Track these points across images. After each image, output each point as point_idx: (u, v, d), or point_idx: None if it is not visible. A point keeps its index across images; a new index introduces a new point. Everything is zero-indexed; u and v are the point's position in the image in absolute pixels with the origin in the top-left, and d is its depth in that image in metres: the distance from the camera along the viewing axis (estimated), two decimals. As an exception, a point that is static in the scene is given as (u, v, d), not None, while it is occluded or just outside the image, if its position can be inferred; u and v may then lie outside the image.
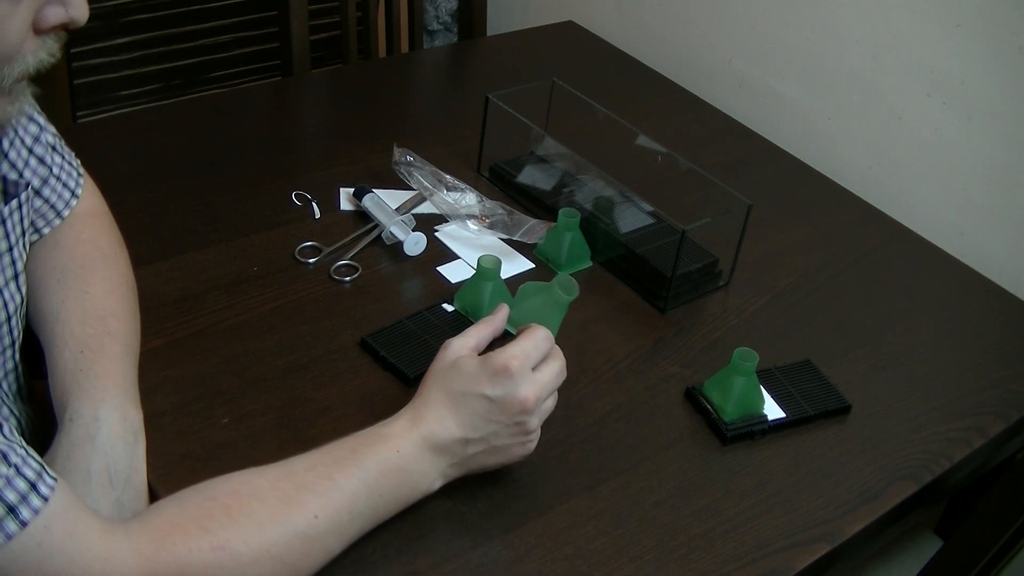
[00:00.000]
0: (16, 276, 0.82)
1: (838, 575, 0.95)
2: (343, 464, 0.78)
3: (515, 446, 0.85)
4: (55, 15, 0.66)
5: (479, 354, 0.87)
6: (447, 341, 0.87)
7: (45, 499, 0.65)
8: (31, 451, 0.67)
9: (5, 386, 0.84)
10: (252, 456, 0.88)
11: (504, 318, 0.91)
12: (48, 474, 0.67)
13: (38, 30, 0.66)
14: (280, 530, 0.73)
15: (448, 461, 0.83)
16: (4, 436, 0.66)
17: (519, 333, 0.86)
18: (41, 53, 0.67)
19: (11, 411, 0.85)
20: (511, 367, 0.82)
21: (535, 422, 0.84)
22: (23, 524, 0.64)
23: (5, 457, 0.64)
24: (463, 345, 0.86)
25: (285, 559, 0.74)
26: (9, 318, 0.82)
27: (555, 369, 0.85)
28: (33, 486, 0.65)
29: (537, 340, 0.84)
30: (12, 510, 0.63)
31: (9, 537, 0.63)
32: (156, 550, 0.69)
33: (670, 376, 1.06)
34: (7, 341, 0.83)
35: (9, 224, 0.80)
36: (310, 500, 0.75)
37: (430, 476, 0.83)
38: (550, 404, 0.86)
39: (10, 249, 0.81)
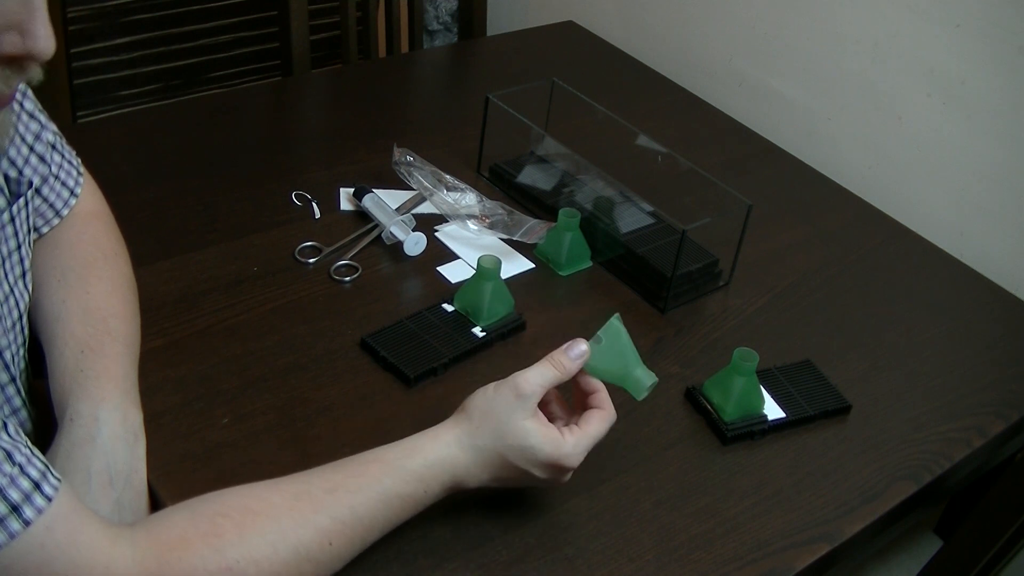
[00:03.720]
0: (24, 274, 0.82)
1: (838, 575, 0.95)
2: (367, 494, 0.77)
3: (517, 487, 0.87)
4: (10, 44, 0.59)
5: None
6: (519, 385, 0.80)
7: (49, 499, 0.65)
8: (36, 451, 0.67)
9: (19, 383, 0.84)
10: (252, 456, 0.89)
11: (579, 367, 0.83)
12: (52, 475, 0.66)
13: None
14: (292, 554, 0.72)
15: (456, 491, 0.83)
16: (9, 435, 0.66)
17: (590, 393, 0.84)
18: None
19: (28, 414, 0.85)
20: (570, 466, 0.82)
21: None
22: (26, 523, 0.63)
23: (9, 456, 0.64)
24: (536, 399, 0.81)
25: None
26: (21, 316, 0.82)
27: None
28: (37, 486, 0.65)
29: (603, 431, 0.83)
30: (15, 509, 0.63)
31: (12, 536, 0.63)
32: (160, 564, 0.68)
33: (670, 376, 1.06)
34: (20, 340, 0.83)
35: (17, 222, 0.80)
36: (326, 526, 0.74)
37: (437, 501, 0.82)
38: None
39: (18, 247, 0.81)
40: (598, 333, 0.86)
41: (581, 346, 0.83)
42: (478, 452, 0.81)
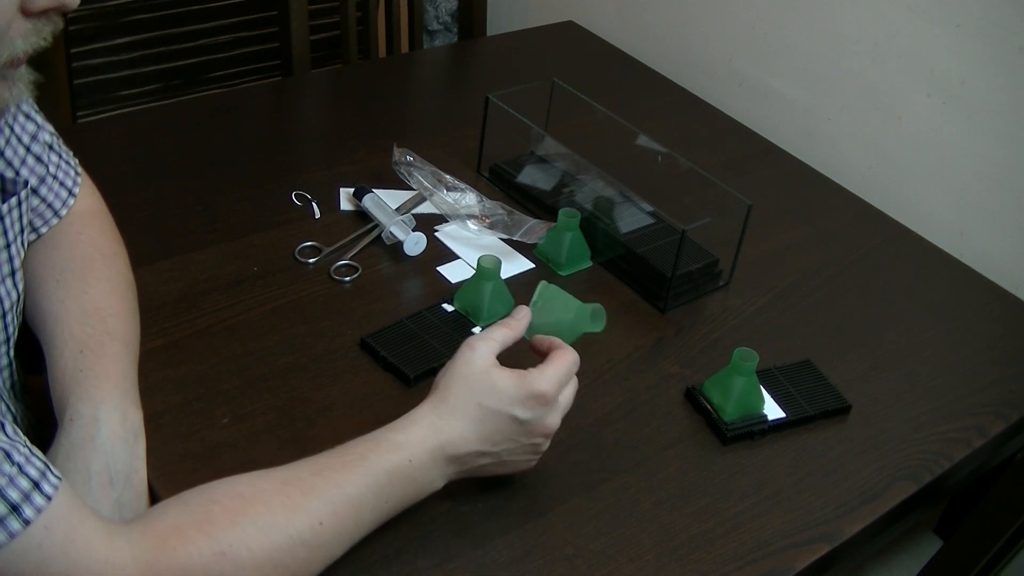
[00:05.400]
0: (13, 273, 0.82)
1: (838, 575, 0.95)
2: (352, 470, 0.77)
3: (521, 462, 0.86)
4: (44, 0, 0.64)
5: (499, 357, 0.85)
6: (470, 341, 0.84)
7: (48, 498, 0.65)
8: (35, 450, 0.67)
9: (0, 382, 0.84)
10: (252, 456, 0.89)
11: (526, 326, 0.88)
12: (52, 473, 0.66)
13: (27, 13, 0.64)
14: (284, 537, 0.73)
15: (457, 469, 0.83)
16: (7, 435, 0.65)
17: (546, 348, 0.86)
18: (32, 37, 0.65)
19: (8, 408, 0.85)
20: (548, 395, 0.82)
21: (547, 444, 0.86)
22: (26, 523, 0.63)
23: (8, 456, 0.64)
24: (490, 351, 0.84)
25: (288, 566, 0.73)
26: (4, 314, 0.82)
27: (573, 392, 0.87)
28: (36, 484, 0.65)
29: (569, 366, 0.85)
30: (15, 509, 0.63)
31: (12, 536, 0.63)
32: (156, 555, 0.69)
33: (670, 376, 1.06)
34: (1, 338, 0.83)
35: (7, 221, 0.80)
36: (316, 507, 0.75)
37: (437, 482, 0.83)
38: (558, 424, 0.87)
39: (7, 246, 0.81)
40: (533, 299, 0.89)
41: (522, 308, 0.88)
42: (455, 410, 0.82)
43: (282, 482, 0.75)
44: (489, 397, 0.81)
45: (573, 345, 0.87)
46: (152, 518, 0.72)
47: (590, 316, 0.90)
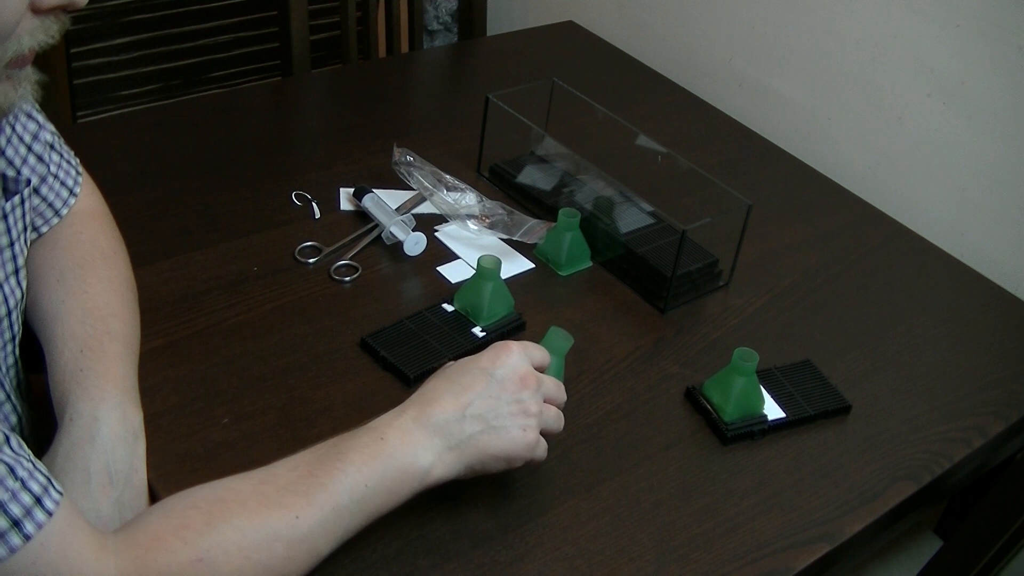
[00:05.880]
0: (16, 271, 0.82)
1: (838, 575, 0.95)
2: (325, 460, 0.77)
3: (514, 428, 0.81)
4: None
5: None
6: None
7: (50, 513, 0.65)
8: (39, 464, 0.67)
9: (6, 382, 0.84)
10: (252, 456, 0.89)
11: None
12: (54, 488, 0.67)
13: (37, 10, 0.65)
14: (259, 534, 0.72)
15: (443, 443, 0.80)
16: (12, 449, 0.66)
17: None
18: (39, 35, 0.66)
19: (13, 407, 0.85)
20: (510, 344, 0.84)
21: (535, 405, 0.82)
22: (27, 538, 0.64)
23: (12, 471, 0.64)
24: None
25: (268, 564, 0.72)
26: (9, 313, 0.82)
27: (553, 378, 0.87)
28: (38, 500, 0.65)
29: (535, 345, 0.86)
30: (16, 524, 0.63)
31: (12, 551, 0.63)
32: (138, 568, 0.69)
33: (670, 376, 1.06)
34: (7, 336, 0.83)
35: (11, 220, 0.80)
36: (291, 501, 0.74)
37: (421, 459, 0.79)
38: (553, 414, 0.85)
39: (11, 244, 0.81)
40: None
41: None
42: (429, 386, 0.84)
43: (259, 481, 0.75)
44: (455, 366, 0.84)
45: (563, 326, 0.92)
46: (135, 528, 0.72)
47: (559, 336, 0.95)
